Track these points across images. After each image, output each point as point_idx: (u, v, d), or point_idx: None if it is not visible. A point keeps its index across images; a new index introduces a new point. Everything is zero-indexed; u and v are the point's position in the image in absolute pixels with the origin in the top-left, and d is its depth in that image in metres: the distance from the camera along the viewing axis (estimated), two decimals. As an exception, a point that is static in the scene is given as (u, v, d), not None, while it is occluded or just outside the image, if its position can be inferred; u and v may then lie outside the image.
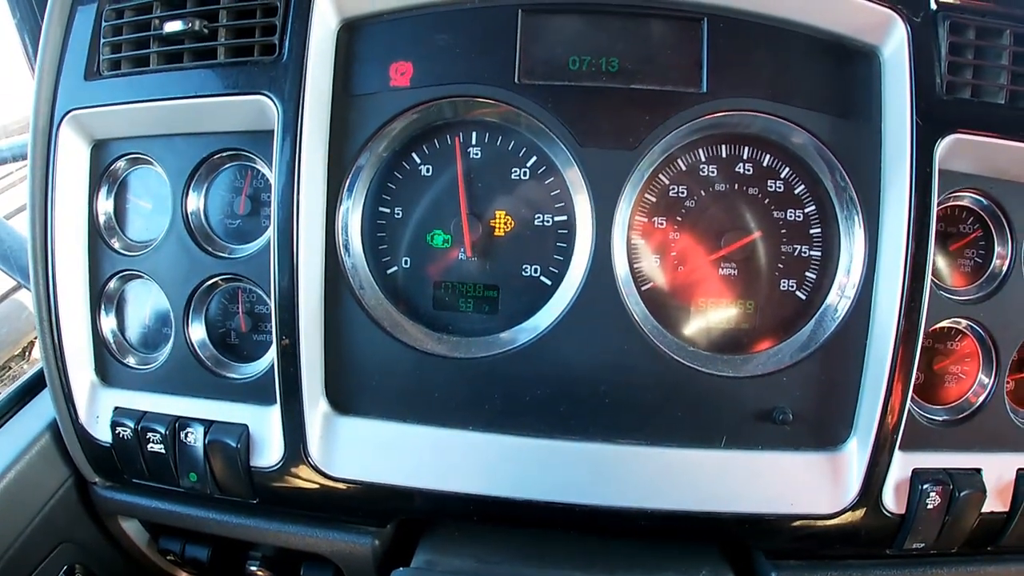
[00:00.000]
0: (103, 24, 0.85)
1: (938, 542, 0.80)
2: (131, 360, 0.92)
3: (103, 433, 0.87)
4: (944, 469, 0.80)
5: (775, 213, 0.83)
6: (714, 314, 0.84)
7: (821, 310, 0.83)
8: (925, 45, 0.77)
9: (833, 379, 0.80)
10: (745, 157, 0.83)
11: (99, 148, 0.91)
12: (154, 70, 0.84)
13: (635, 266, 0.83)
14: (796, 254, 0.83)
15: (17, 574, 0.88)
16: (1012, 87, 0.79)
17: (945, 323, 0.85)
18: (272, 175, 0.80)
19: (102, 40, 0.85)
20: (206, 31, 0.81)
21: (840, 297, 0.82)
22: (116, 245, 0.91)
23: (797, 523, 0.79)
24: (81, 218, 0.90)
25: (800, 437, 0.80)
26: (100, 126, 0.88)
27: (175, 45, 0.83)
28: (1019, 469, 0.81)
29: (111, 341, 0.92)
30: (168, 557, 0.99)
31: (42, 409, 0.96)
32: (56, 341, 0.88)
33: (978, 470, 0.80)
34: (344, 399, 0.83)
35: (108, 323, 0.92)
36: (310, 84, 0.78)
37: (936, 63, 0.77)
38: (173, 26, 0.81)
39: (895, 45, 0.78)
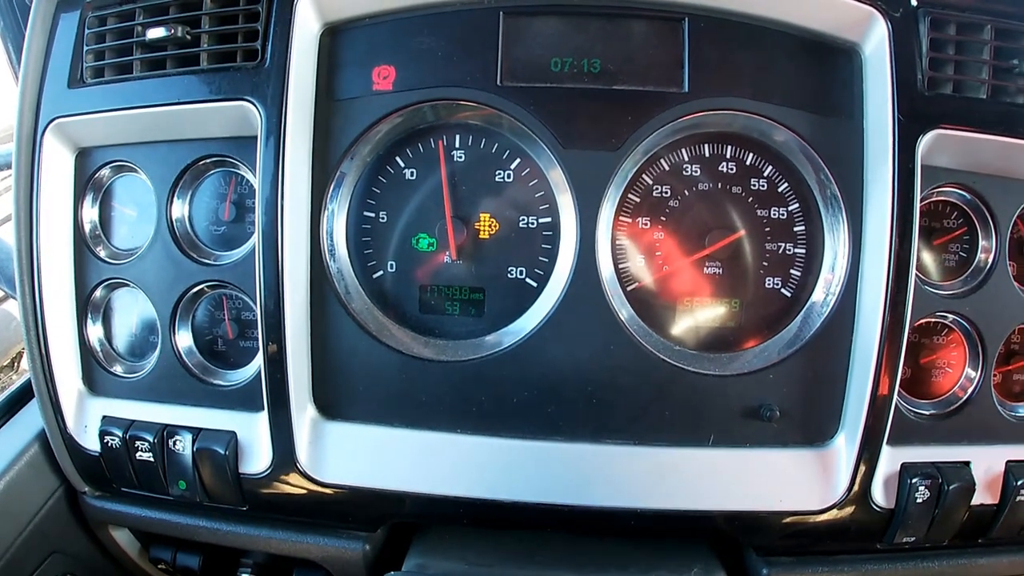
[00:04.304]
0: (86, 31, 0.85)
1: (928, 535, 0.80)
2: (118, 369, 0.91)
3: (91, 442, 0.87)
4: (933, 463, 0.80)
5: (759, 211, 0.83)
6: (700, 313, 0.84)
7: (807, 307, 0.83)
8: (906, 41, 0.78)
9: (820, 375, 0.81)
10: (728, 156, 0.84)
11: (83, 156, 0.90)
12: (137, 77, 0.84)
13: (620, 266, 0.84)
14: (781, 252, 0.84)
15: (8, 586, 0.88)
16: (994, 82, 0.79)
17: (931, 318, 0.85)
18: (256, 181, 0.80)
19: (85, 48, 0.85)
20: (189, 37, 0.81)
21: (825, 294, 0.82)
22: (102, 253, 0.90)
23: (787, 519, 0.79)
24: (66, 227, 0.90)
25: (788, 434, 0.81)
26: (84, 134, 0.88)
27: (158, 52, 0.83)
28: (1008, 461, 0.82)
29: (98, 350, 0.91)
30: (160, 566, 0.99)
31: (30, 419, 0.95)
32: (43, 351, 0.88)
33: (967, 463, 0.81)
34: (332, 404, 0.83)
35: (95, 332, 0.92)
36: (293, 89, 0.78)
37: (917, 59, 0.78)
38: (156, 33, 0.81)
39: (876, 42, 0.78)
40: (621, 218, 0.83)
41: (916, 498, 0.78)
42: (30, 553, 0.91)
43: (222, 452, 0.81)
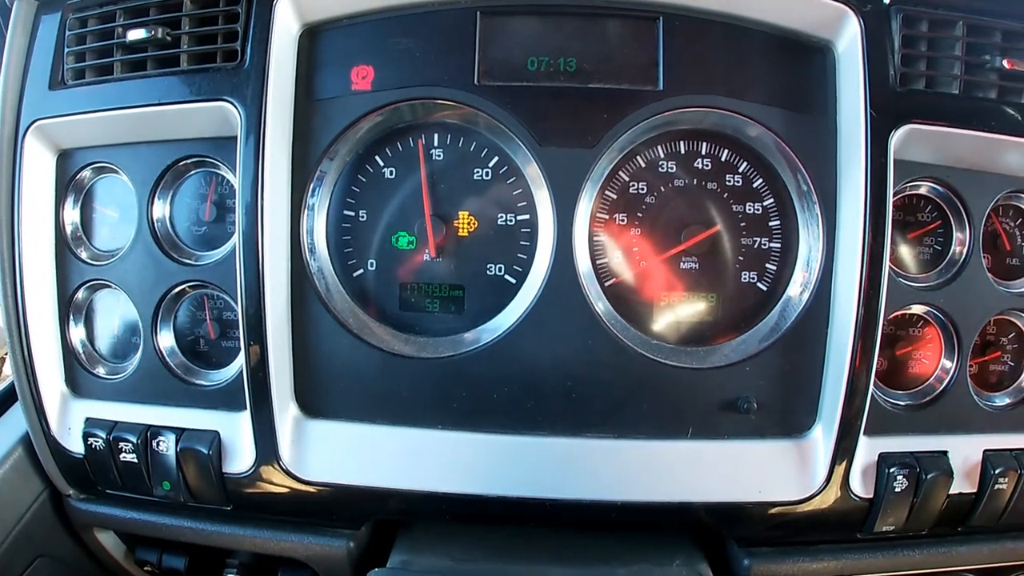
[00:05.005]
0: (67, 33, 0.85)
1: (908, 524, 0.81)
2: (101, 370, 0.91)
3: (75, 444, 0.87)
4: (911, 452, 0.81)
5: (734, 207, 0.84)
6: (677, 307, 0.85)
7: (783, 300, 0.84)
8: (878, 38, 0.79)
9: (796, 367, 0.82)
10: (703, 152, 0.85)
11: (64, 158, 0.90)
12: (118, 78, 0.84)
13: (597, 262, 0.84)
14: (756, 246, 0.85)
15: (-7, 590, 0.87)
16: (966, 77, 0.81)
17: (906, 310, 0.86)
18: (236, 181, 0.80)
19: (66, 49, 0.85)
20: (169, 38, 0.82)
21: (801, 287, 0.83)
22: (83, 255, 0.91)
23: (767, 510, 0.80)
24: (48, 229, 0.90)
25: (766, 425, 0.82)
26: (65, 136, 0.88)
27: (139, 53, 0.83)
28: (985, 450, 0.83)
29: (81, 352, 0.91)
30: (145, 568, 0.98)
31: (14, 423, 0.95)
32: (26, 353, 0.87)
33: (944, 452, 0.82)
34: (314, 402, 0.83)
35: (77, 333, 0.92)
36: (272, 89, 0.78)
37: (890, 56, 0.79)
38: (136, 34, 0.81)
39: (848, 39, 0.80)
40: (598, 214, 0.84)
41: (895, 487, 0.79)
42: (16, 557, 0.90)
43: (205, 452, 0.81)
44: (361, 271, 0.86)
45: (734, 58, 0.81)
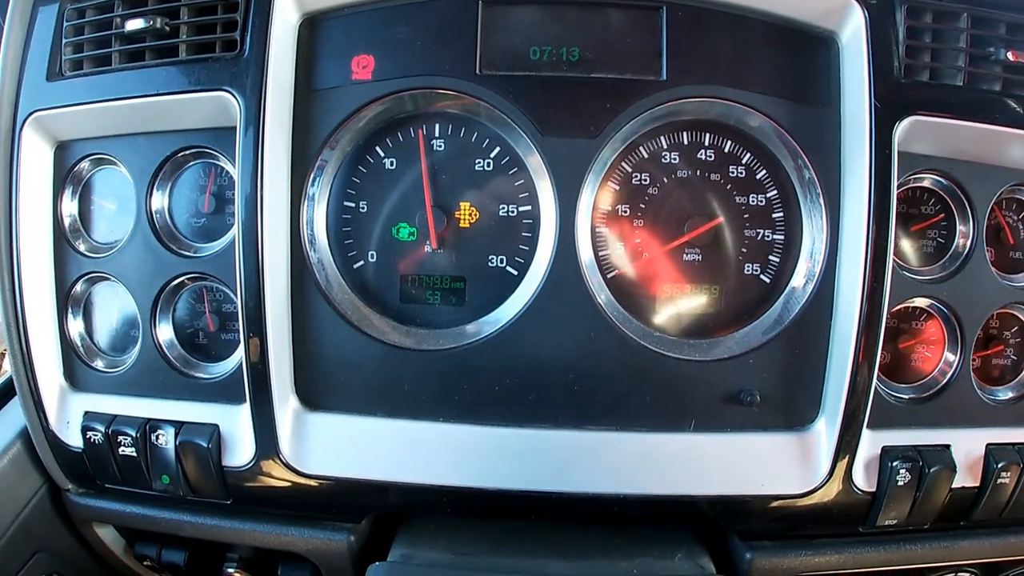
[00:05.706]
0: (65, 24, 0.85)
1: (910, 518, 0.81)
2: (99, 363, 0.91)
3: (74, 439, 0.87)
4: (913, 446, 0.81)
5: (737, 198, 0.84)
6: (680, 299, 0.85)
7: (786, 293, 0.84)
8: (883, 29, 0.78)
9: (799, 360, 0.81)
10: (707, 143, 0.84)
11: (62, 149, 0.90)
12: (116, 69, 0.83)
13: (600, 254, 0.84)
14: (759, 238, 0.84)
15: (-8, 585, 0.87)
16: (970, 69, 0.80)
17: (909, 303, 0.86)
18: (236, 172, 0.79)
19: (64, 40, 0.85)
20: (167, 28, 0.81)
21: (804, 280, 0.83)
22: (81, 247, 0.90)
23: (769, 503, 0.80)
24: (46, 221, 0.89)
25: (768, 418, 0.81)
26: (63, 127, 0.88)
27: (137, 43, 0.83)
28: (988, 444, 0.83)
29: (79, 345, 0.91)
30: (145, 563, 0.98)
31: (12, 417, 0.94)
32: (24, 347, 0.87)
33: (947, 446, 0.82)
34: (314, 395, 0.83)
35: (76, 326, 0.91)
36: (272, 79, 0.78)
37: (894, 47, 0.79)
38: (135, 24, 0.81)
39: (853, 30, 0.79)
40: (601, 205, 0.84)
41: (897, 481, 0.79)
42: (14, 552, 0.90)
43: (205, 445, 0.81)
44: (361, 263, 0.85)
45: (738, 48, 0.81)
